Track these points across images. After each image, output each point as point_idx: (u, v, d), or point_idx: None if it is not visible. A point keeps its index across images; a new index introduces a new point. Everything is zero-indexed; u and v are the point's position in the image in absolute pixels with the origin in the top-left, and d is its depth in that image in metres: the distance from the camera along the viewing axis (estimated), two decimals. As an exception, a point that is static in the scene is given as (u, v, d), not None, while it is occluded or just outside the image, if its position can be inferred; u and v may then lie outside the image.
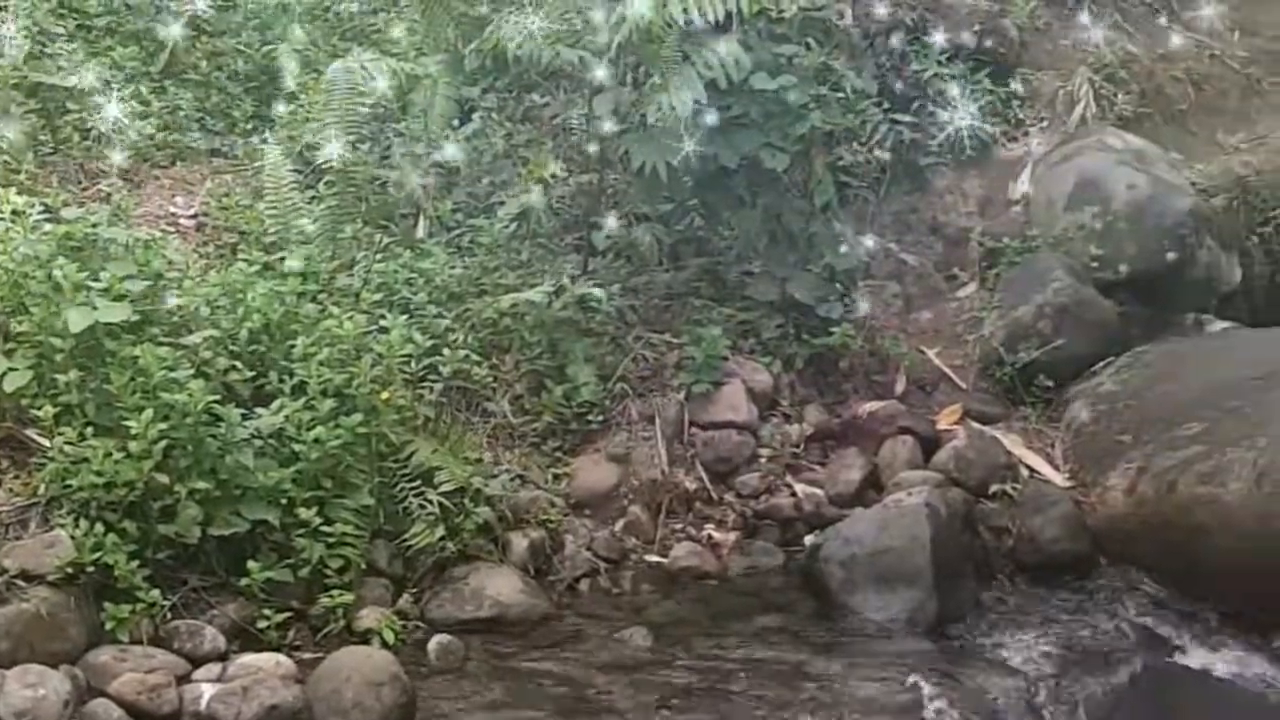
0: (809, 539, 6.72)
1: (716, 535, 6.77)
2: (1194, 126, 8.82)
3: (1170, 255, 7.79)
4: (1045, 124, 8.60)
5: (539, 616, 6.10)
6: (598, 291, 7.10)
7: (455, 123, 7.75)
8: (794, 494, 6.96)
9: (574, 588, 6.41)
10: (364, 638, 5.65)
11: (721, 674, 5.73)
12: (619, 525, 6.69)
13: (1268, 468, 6.18)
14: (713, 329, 7.08)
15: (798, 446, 7.11)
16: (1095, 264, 7.80)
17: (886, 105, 8.26)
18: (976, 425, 7.25)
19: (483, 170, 7.87)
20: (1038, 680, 5.82)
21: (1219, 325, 7.85)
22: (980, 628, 6.26)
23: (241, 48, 8.76)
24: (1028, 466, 7.08)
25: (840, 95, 7.88)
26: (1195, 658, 6.10)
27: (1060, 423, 7.32)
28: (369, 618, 5.73)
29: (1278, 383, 6.66)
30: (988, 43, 8.60)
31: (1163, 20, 9.08)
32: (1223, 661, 6.07)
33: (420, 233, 7.61)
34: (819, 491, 6.97)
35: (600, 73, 6.89)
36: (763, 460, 7.04)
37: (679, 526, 6.79)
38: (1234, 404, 6.63)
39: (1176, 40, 9.05)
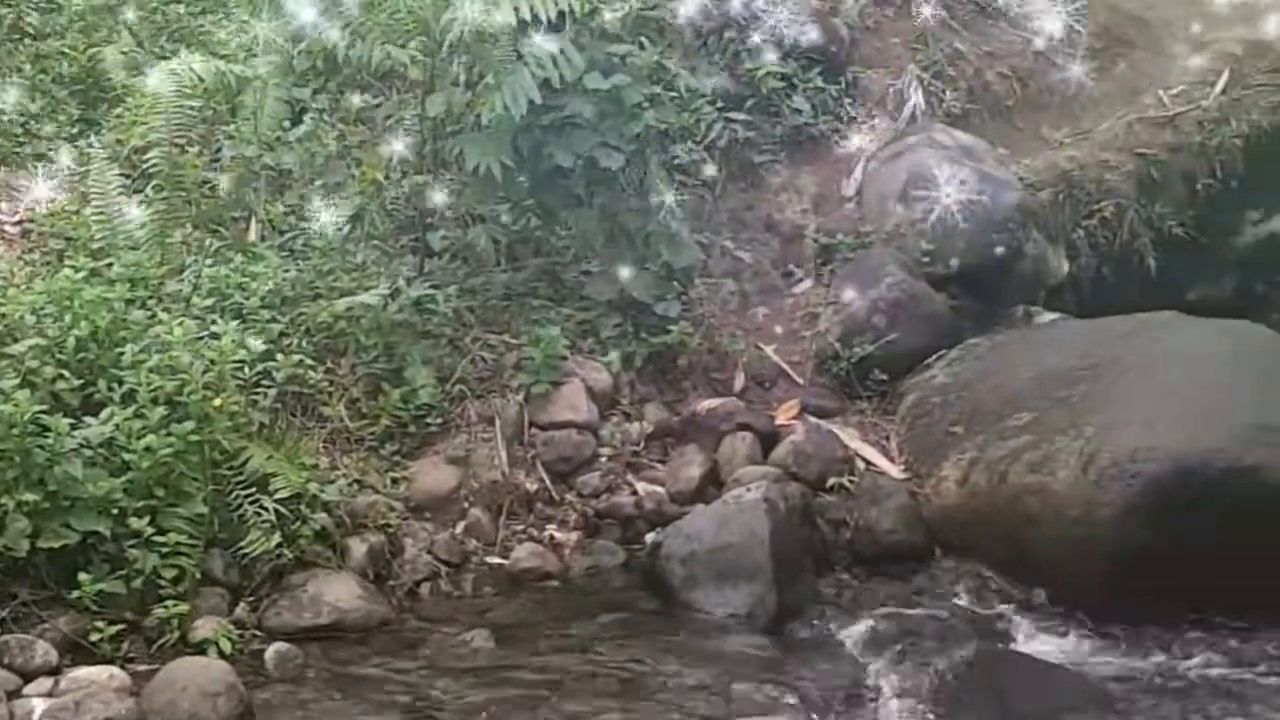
0: (650, 537, 6.73)
1: (558, 535, 6.77)
2: (1020, 122, 8.99)
3: (999, 249, 7.93)
4: (876, 121, 8.70)
5: (379, 622, 6.05)
6: (434, 293, 7.07)
7: (286, 124, 7.66)
8: (635, 492, 6.98)
9: (414, 592, 6.37)
10: (200, 648, 5.57)
11: (564, 674, 5.73)
12: (459, 528, 6.66)
13: (1094, 455, 6.33)
14: (551, 329, 7.07)
15: (638, 445, 7.14)
16: (927, 259, 7.91)
17: (720, 104, 8.32)
18: (814, 420, 7.33)
19: (315, 172, 7.78)
20: (876, 669, 5.90)
21: (1047, 317, 8.01)
22: (819, 619, 6.34)
23: (66, 50, 8.57)
24: (864, 459, 7.17)
25: (674, 94, 7.92)
26: (1027, 642, 6.22)
27: (895, 415, 7.42)
28: (205, 628, 5.64)
29: (1104, 372, 6.81)
30: (819, 41, 8.67)
31: (989, 18, 9.22)
32: (1052, 645, 6.19)
33: (252, 236, 7.53)
34: (660, 489, 7.00)
35: (433, 73, 6.86)
36: (604, 459, 7.05)
37: (520, 528, 6.78)
38: (1062, 394, 6.78)
39: (1001, 38, 9.20)
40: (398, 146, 7.41)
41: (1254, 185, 8.98)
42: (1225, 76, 9.02)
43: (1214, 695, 5.85)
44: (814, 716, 5.50)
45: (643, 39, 7.62)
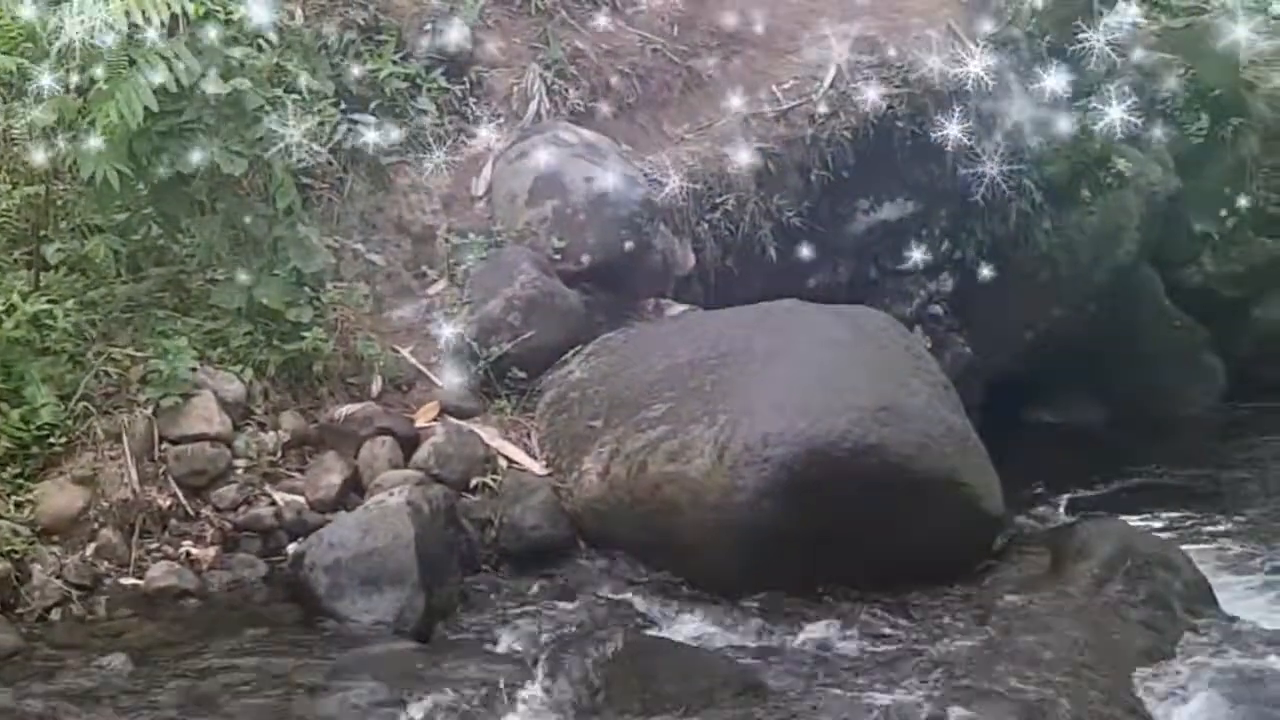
0: (292, 548, 6.62)
1: (195, 551, 6.59)
2: (641, 119, 9.16)
3: (628, 244, 8.07)
4: (502, 120, 8.73)
5: (8, 651, 5.81)
6: (52, 308, 6.79)
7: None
8: (274, 503, 6.83)
9: (45, 618, 6.14)
10: None
11: (208, 692, 5.58)
12: (90, 550, 6.42)
13: (728, 442, 6.52)
14: (178, 340, 6.87)
15: (275, 455, 7.00)
16: (559, 255, 7.99)
17: (344, 106, 8.22)
18: (454, 421, 7.32)
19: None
20: (525, 664, 5.91)
21: (678, 308, 8.19)
22: (469, 620, 6.36)
23: None
24: (506, 458, 7.21)
25: (296, 96, 7.79)
26: (672, 628, 6.37)
27: (535, 412, 7.48)
28: None
29: (733, 361, 7.01)
30: (440, 41, 8.67)
31: (605, 16, 9.35)
32: (697, 629, 6.36)
33: None
34: (300, 499, 6.88)
35: (43, 80, 6.59)
36: (240, 471, 6.89)
37: (155, 546, 6.58)
38: (694, 384, 6.95)
39: (621, 36, 9.36)
40: (6, 156, 7.08)
41: (863, 176, 9.36)
42: (833, 71, 9.35)
43: (848, 666, 6.10)
44: (464, 717, 5.51)
45: (261, 41, 7.47)
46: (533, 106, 8.81)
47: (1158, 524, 9.22)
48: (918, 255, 9.64)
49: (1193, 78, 11.63)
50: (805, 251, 9.02)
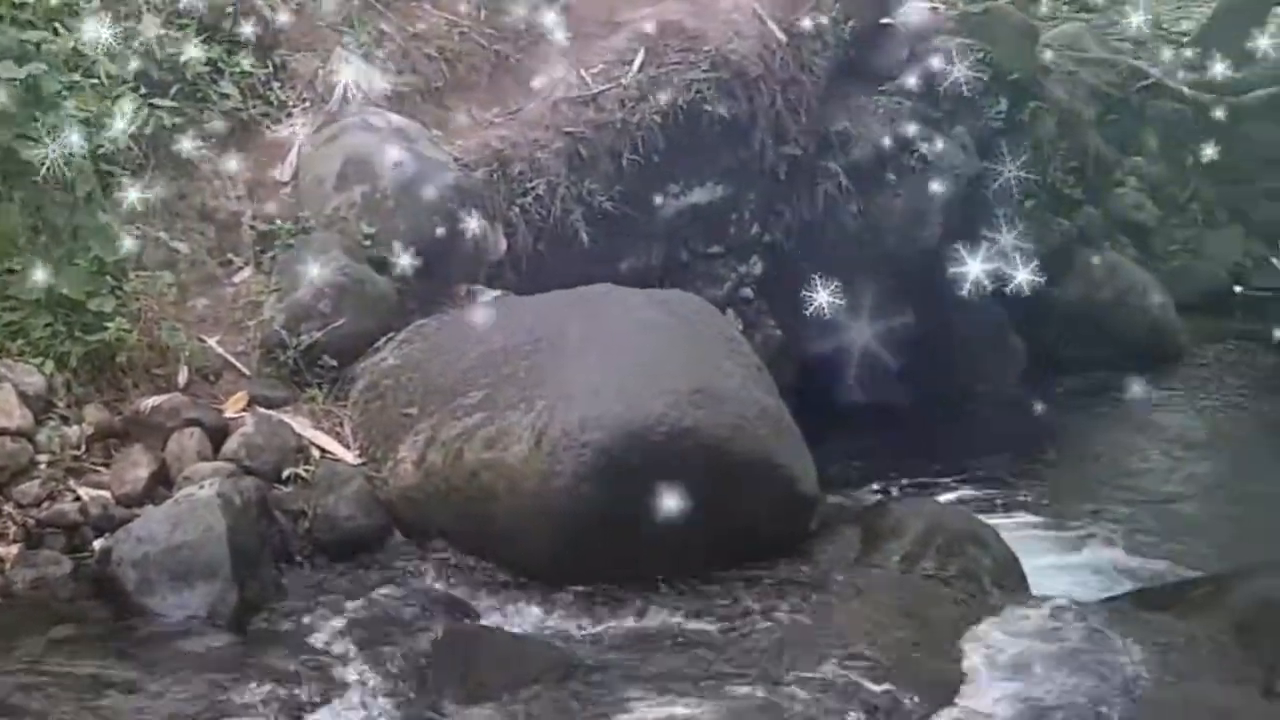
0: (99, 544, 6.45)
1: (-3, 549, 6.39)
2: (450, 103, 9.09)
3: (439, 230, 7.98)
4: (308, 104, 8.60)
5: None
6: None
7: None
8: (79, 498, 6.64)
9: None
10: None
11: (12, 694, 5.41)
12: (-112, 550, 6.20)
13: (545, 428, 6.49)
14: (-26, 332, 6.66)
15: (79, 449, 6.80)
16: (369, 242, 7.88)
17: (144, 90, 8.01)
18: (264, 411, 7.18)
19: None
20: (342, 657, 5.86)
21: (490, 294, 8.13)
22: (284, 612, 6.23)
23: None
24: (319, 447, 7.09)
25: (95, 81, 7.58)
26: (492, 617, 6.33)
27: (348, 401, 7.37)
28: None
29: (547, 346, 6.99)
30: (243, 25, 8.50)
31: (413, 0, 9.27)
32: (518, 617, 6.34)
33: None
34: (105, 493, 6.70)
35: None
36: (42, 466, 6.68)
37: (-48, 546, 6.36)
38: (510, 370, 6.91)
39: (428, 19, 9.28)
40: None
41: (673, 159, 9.40)
42: (641, 55, 9.38)
43: (668, 648, 6.13)
44: (278, 712, 5.42)
45: (57, 25, 7.25)
46: (339, 90, 8.67)
47: (967, 502, 9.45)
48: (728, 239, 9.72)
49: (991, 62, 11.88)
50: (617, 236, 9.03)
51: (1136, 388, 12.02)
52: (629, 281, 8.12)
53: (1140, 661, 6.18)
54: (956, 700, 5.89)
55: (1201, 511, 10.08)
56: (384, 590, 6.41)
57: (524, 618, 6.32)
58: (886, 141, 10.99)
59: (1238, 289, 15.11)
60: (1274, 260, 15.50)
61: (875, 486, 9.51)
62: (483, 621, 6.30)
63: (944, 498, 9.46)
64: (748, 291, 10.08)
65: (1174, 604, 6.79)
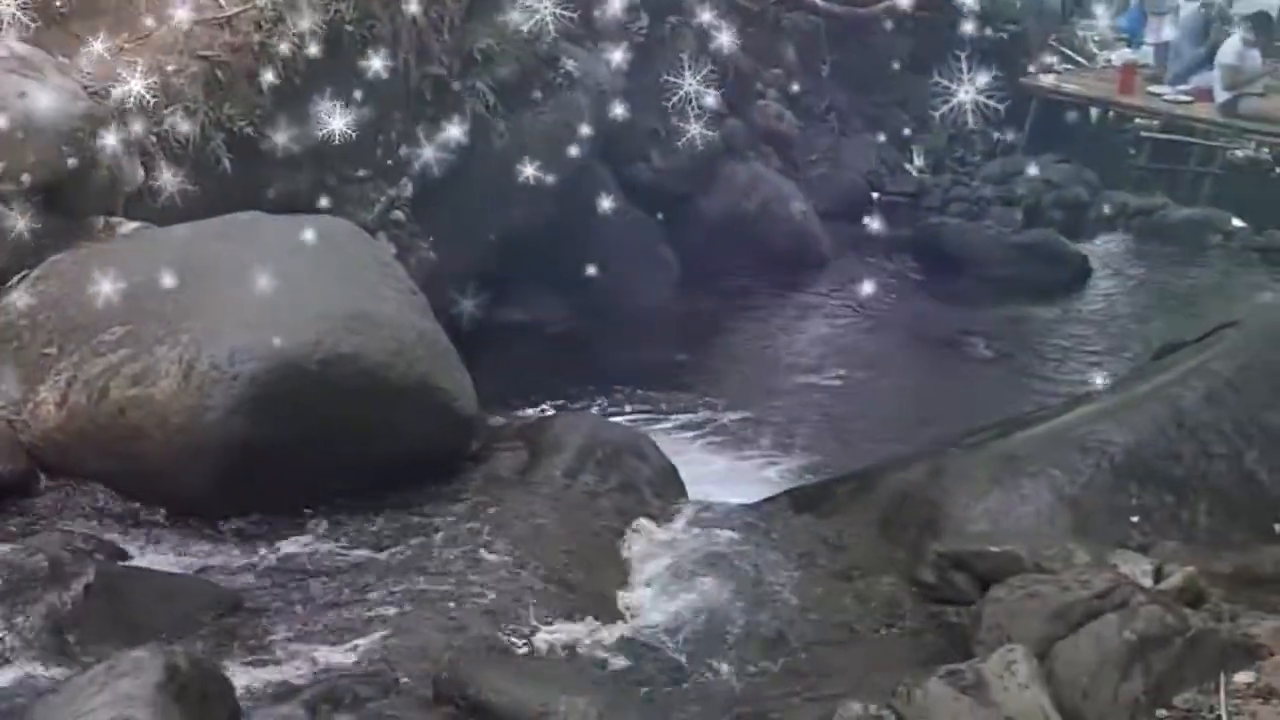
0: None
1: None
2: (77, 29, 8.67)
3: (71, 161, 7.64)
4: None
5: None
6: None
7: None
8: None
9: None
10: None
11: None
12: None
13: (194, 362, 6.33)
14: None
15: None
16: (-3, 176, 7.51)
17: None
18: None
19: None
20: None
21: (130, 226, 7.84)
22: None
23: None
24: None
25: None
26: (147, 556, 6.16)
27: (-22, 343, 7.03)
28: None
29: (193, 277, 6.79)
30: None
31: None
32: (174, 555, 6.19)
33: None
34: None
35: None
36: None
37: None
38: (154, 305, 6.70)
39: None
40: None
41: (316, 81, 9.18)
42: (278, -26, 9.12)
43: (331, 575, 6.09)
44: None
45: None
46: (-45, 19, 8.19)
47: (626, 414, 9.61)
48: (376, 161, 9.58)
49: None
50: (262, 162, 8.81)
51: (782, 294, 12.39)
52: (277, 209, 7.94)
53: (793, 559, 6.41)
54: (617, 606, 6.00)
55: (847, 411, 10.49)
56: (28, 537, 6.10)
57: (181, 556, 6.17)
58: (532, 59, 10.96)
59: (875, 195, 15.61)
60: (907, 166, 16.12)
61: (537, 404, 9.56)
62: (137, 562, 6.10)
63: (604, 411, 9.60)
64: (399, 214, 9.96)
65: (823, 501, 7.05)
